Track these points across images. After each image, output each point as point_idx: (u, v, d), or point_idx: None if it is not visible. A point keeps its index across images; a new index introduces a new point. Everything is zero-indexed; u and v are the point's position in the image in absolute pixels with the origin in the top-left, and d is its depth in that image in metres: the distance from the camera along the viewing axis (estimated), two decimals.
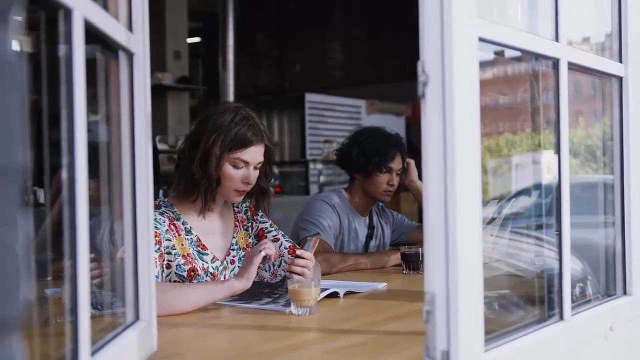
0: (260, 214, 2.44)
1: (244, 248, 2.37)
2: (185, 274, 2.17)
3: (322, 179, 7.60)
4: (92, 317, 1.08)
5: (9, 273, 0.55)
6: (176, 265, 2.16)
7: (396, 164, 3.04)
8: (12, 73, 0.55)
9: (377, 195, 3.05)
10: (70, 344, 1.02)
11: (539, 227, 1.96)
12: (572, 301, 1.56)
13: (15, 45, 0.58)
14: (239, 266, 2.32)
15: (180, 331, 1.75)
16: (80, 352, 1.01)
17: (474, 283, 1.20)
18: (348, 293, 2.19)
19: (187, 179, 2.21)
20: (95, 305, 1.34)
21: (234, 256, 2.34)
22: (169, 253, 2.13)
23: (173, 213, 2.22)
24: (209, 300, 1.95)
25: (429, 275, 1.18)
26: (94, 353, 1.10)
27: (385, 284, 2.38)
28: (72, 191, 1.01)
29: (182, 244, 2.20)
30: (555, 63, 1.52)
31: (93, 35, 1.12)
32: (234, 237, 2.36)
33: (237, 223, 2.39)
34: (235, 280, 1.97)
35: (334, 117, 8.31)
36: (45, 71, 1.07)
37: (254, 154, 2.22)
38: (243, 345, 1.62)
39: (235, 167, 2.20)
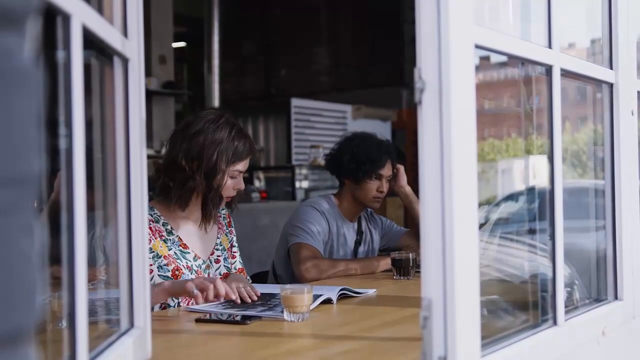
0: (232, 227, 2.55)
1: (227, 249, 2.47)
2: (169, 274, 2.23)
3: (308, 184, 7.59)
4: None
5: (26, 282, 0.55)
6: (158, 267, 2.21)
7: (386, 171, 3.04)
8: (29, 81, 0.55)
9: (366, 201, 3.05)
10: (67, 351, 1.01)
11: (528, 232, 1.97)
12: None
13: (32, 52, 0.57)
14: (224, 265, 2.42)
15: (174, 338, 1.74)
16: None
17: (471, 289, 1.21)
18: (342, 296, 2.20)
19: (188, 192, 2.27)
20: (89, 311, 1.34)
21: (218, 255, 2.42)
22: None
23: (152, 215, 2.25)
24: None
25: (426, 281, 1.18)
26: None
27: (375, 290, 2.38)
28: (70, 197, 1.00)
29: (161, 246, 2.25)
30: (549, 70, 1.53)
31: (88, 40, 1.11)
32: (218, 238, 2.44)
33: (220, 225, 2.47)
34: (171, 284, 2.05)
35: (320, 122, 8.30)
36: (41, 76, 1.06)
37: (247, 163, 2.36)
38: (237, 352, 1.61)
39: (232, 177, 2.31)
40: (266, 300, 2.15)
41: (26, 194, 0.55)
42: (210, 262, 2.39)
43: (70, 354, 1.02)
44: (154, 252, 2.21)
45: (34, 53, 0.59)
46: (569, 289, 1.81)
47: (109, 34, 1.22)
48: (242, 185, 2.36)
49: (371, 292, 2.36)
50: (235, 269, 2.44)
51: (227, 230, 2.51)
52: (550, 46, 1.53)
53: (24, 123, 0.54)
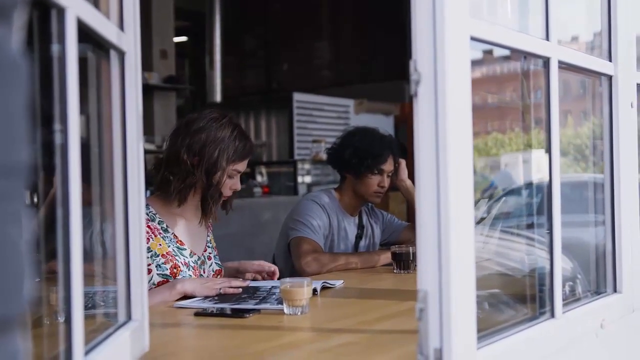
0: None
1: (215, 247, 2.51)
2: (168, 272, 2.26)
3: (310, 179, 7.58)
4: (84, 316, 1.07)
5: (14, 271, 0.55)
6: (156, 266, 2.24)
7: (388, 166, 3.03)
8: (17, 72, 0.55)
9: (367, 196, 3.05)
10: (63, 343, 1.02)
11: (529, 226, 1.97)
12: (562, 299, 1.56)
13: (19, 44, 0.57)
14: (215, 262, 2.46)
15: (172, 331, 1.75)
16: (74, 352, 1.01)
17: (466, 281, 1.21)
18: (324, 288, 2.25)
19: (188, 187, 2.29)
20: (86, 304, 1.34)
21: (209, 253, 2.46)
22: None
23: (147, 214, 2.26)
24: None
25: (421, 273, 1.18)
26: (87, 353, 1.10)
27: (342, 281, 2.41)
28: (65, 192, 1.00)
29: (160, 244, 2.28)
30: (546, 62, 1.53)
31: (84, 33, 1.12)
32: (208, 236, 2.48)
33: (209, 224, 2.51)
34: (184, 282, 2.16)
35: (322, 116, 8.29)
36: (35, 70, 1.06)
37: (246, 164, 2.39)
38: (235, 345, 1.61)
39: (230, 177, 2.34)
40: (252, 293, 2.16)
41: (14, 184, 0.55)
42: (204, 259, 2.42)
43: (66, 346, 1.02)
44: (152, 251, 2.23)
45: (21, 45, 0.59)
46: (571, 283, 1.81)
47: (104, 27, 1.22)
48: (239, 186, 2.39)
49: (339, 283, 2.39)
50: (213, 271, 2.45)
51: (212, 230, 2.55)
52: (547, 38, 1.53)
53: (11, 114, 0.55)
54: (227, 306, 1.97)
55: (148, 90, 7.35)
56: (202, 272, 2.38)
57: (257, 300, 2.03)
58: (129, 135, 1.37)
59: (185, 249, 2.34)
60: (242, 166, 2.36)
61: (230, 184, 2.35)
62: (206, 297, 2.10)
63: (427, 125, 1.17)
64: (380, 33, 9.27)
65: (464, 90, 1.21)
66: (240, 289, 2.17)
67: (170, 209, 2.34)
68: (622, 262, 1.84)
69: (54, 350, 1.08)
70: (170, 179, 2.28)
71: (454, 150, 1.17)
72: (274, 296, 2.08)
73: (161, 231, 2.30)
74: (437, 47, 1.16)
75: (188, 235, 2.38)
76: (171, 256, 2.27)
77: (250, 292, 2.17)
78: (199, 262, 2.38)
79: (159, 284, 2.21)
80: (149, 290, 2.17)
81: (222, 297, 2.11)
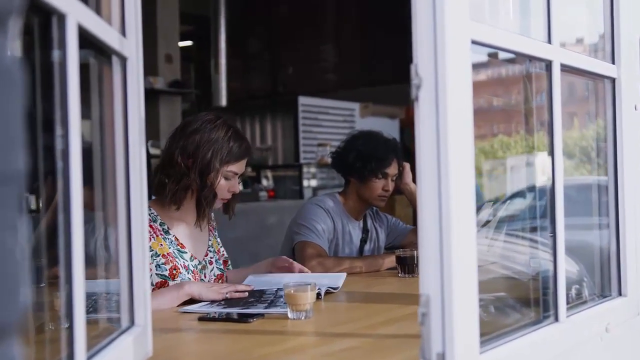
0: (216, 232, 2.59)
1: (217, 251, 2.50)
2: (167, 272, 2.26)
3: (316, 182, 7.58)
4: (87, 322, 1.07)
5: (9, 277, 0.55)
6: (156, 266, 2.24)
7: (392, 170, 3.03)
8: (12, 79, 0.55)
9: (371, 199, 3.05)
10: (66, 349, 1.02)
11: (534, 229, 1.96)
12: (568, 303, 1.56)
13: (15, 51, 0.58)
14: (217, 267, 2.46)
15: (175, 336, 1.74)
16: (76, 358, 1.01)
17: (469, 285, 1.20)
18: (328, 292, 2.24)
19: (182, 189, 2.29)
20: (89, 309, 1.34)
21: (211, 257, 2.46)
22: None
23: (149, 215, 2.27)
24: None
25: (424, 277, 1.18)
26: (89, 358, 1.10)
27: (344, 275, 2.41)
28: (67, 197, 1.01)
29: (162, 244, 2.29)
30: (548, 65, 1.52)
31: (86, 39, 1.12)
32: (209, 240, 2.48)
33: (210, 228, 2.51)
34: (191, 284, 2.16)
35: (327, 120, 8.29)
36: (37, 76, 1.06)
37: (243, 165, 2.38)
38: (239, 350, 1.61)
39: (226, 178, 2.34)
40: (259, 297, 2.15)
41: (9, 191, 0.55)
42: (205, 263, 2.42)
43: (68, 352, 1.02)
44: (152, 250, 2.24)
45: (17, 52, 0.59)
46: (577, 286, 1.80)
47: (106, 33, 1.22)
48: (237, 189, 2.38)
49: (342, 279, 2.39)
50: (215, 275, 2.46)
51: (215, 234, 2.55)
52: (549, 41, 1.52)
53: (7, 122, 0.55)
54: (235, 311, 1.97)
55: (153, 95, 7.35)
56: (202, 277, 2.38)
57: (266, 304, 2.03)
58: (132, 141, 1.37)
59: (186, 252, 2.34)
60: (237, 167, 2.35)
61: (228, 186, 2.34)
62: (213, 302, 2.10)
63: (429, 129, 1.17)
64: (385, 36, 9.26)
65: (465, 94, 1.21)
66: (247, 293, 2.17)
67: (169, 212, 2.34)
68: (626, 266, 1.83)
69: (56, 356, 1.08)
70: (165, 182, 2.29)
71: (455, 154, 1.16)
72: (281, 299, 2.08)
73: (162, 232, 2.30)
74: (438, 51, 1.16)
75: (189, 239, 2.38)
76: (171, 257, 2.28)
77: (257, 296, 2.16)
78: (199, 266, 2.38)
79: (158, 285, 2.22)
80: (154, 290, 2.17)
81: (229, 301, 2.10)
